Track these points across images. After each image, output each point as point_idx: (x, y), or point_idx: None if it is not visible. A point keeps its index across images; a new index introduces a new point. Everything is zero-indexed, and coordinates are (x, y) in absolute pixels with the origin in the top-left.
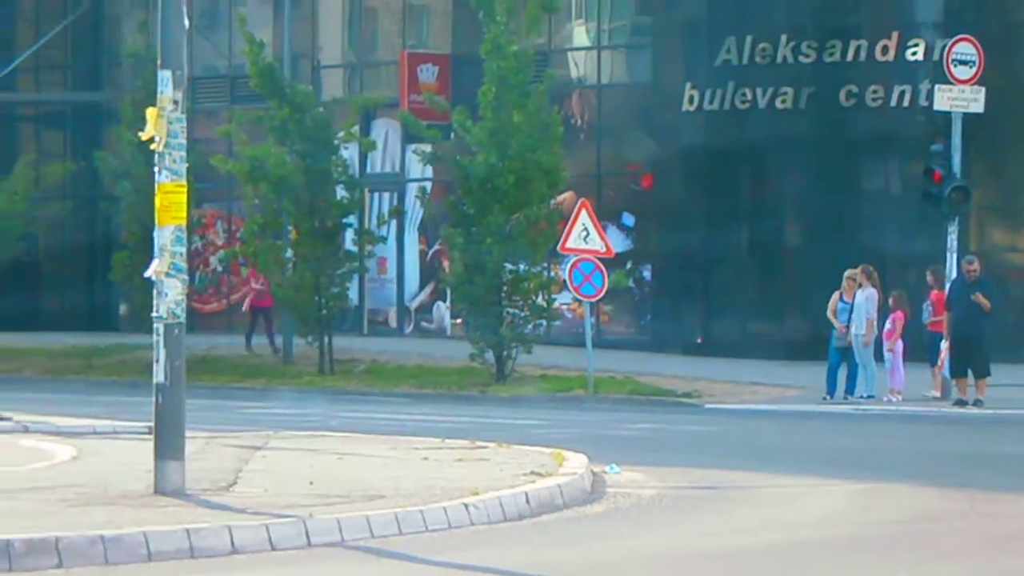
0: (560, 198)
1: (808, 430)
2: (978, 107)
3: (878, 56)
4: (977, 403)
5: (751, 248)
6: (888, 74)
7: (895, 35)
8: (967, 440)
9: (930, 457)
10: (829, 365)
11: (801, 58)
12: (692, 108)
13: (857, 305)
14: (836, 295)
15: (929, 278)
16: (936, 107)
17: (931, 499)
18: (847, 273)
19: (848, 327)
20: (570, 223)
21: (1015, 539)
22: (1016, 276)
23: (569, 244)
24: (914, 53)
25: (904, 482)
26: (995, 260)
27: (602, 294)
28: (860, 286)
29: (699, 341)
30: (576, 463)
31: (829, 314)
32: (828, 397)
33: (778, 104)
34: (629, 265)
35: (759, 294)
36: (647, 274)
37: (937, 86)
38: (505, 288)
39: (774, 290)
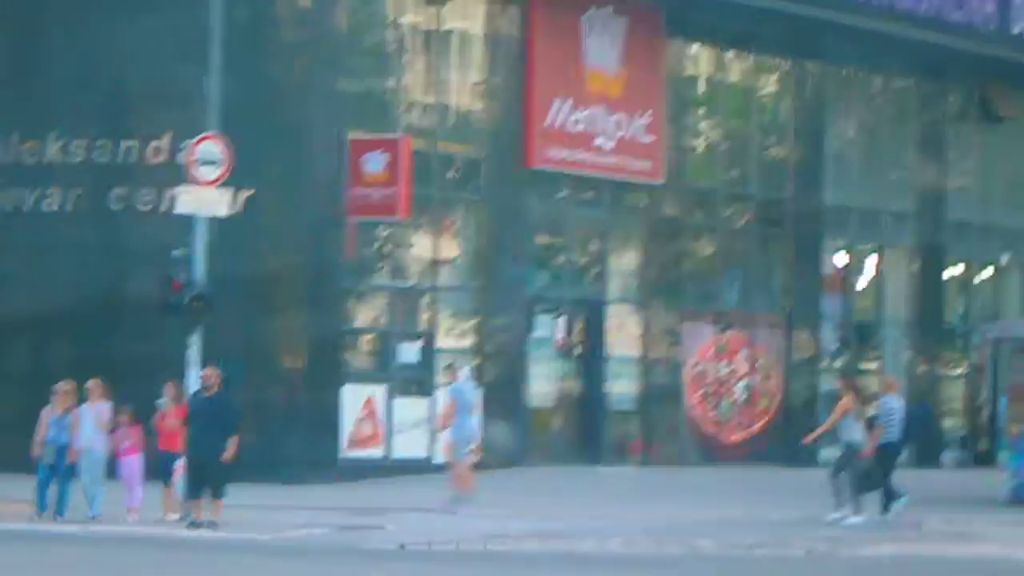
0: None
1: (23, 554)
2: (223, 209)
3: (151, 158)
4: (211, 525)
5: None
6: (161, 176)
7: (168, 136)
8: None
9: None
10: (39, 481)
11: (70, 158)
12: None
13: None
14: (47, 410)
15: (169, 391)
16: (177, 210)
17: None
18: (56, 387)
19: (48, 446)
20: None
21: None
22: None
23: None
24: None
25: None
26: None
27: None
28: (88, 400)
29: None
30: None
31: (41, 429)
32: (40, 514)
33: (45, 206)
34: None
35: None
36: None
37: (178, 188)
38: None
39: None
